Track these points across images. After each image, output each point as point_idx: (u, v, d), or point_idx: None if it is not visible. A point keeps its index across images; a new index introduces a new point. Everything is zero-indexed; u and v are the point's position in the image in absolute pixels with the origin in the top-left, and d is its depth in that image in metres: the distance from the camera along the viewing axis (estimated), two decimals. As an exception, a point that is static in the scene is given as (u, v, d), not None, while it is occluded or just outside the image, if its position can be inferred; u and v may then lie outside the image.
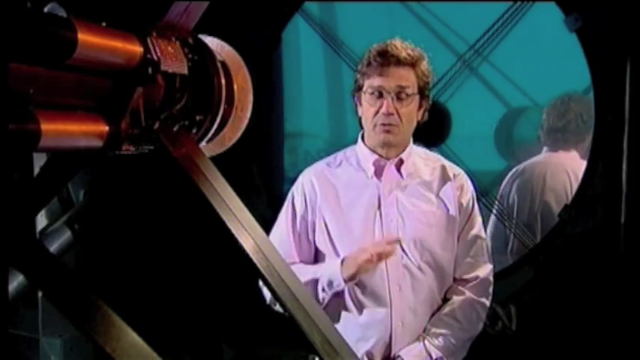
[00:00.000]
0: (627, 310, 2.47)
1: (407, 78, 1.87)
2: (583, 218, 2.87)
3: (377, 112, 1.87)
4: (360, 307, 1.92)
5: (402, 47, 1.87)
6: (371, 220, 1.92)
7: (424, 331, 1.92)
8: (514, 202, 3.20)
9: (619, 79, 2.57)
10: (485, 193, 3.21)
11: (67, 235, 2.31)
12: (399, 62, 1.85)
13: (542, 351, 2.78)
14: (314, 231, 1.98)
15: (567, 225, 2.91)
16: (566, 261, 2.89)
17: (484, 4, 3.48)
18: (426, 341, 1.90)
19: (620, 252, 2.56)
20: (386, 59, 1.86)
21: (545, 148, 3.22)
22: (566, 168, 3.09)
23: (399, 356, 1.89)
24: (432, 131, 3.14)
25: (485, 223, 3.20)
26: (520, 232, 3.12)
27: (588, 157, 2.92)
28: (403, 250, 1.90)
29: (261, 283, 1.88)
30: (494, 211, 3.20)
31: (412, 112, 1.90)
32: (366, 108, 1.90)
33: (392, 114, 1.86)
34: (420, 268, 1.91)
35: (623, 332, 2.46)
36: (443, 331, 1.90)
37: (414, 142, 2.02)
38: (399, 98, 1.86)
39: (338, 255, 1.94)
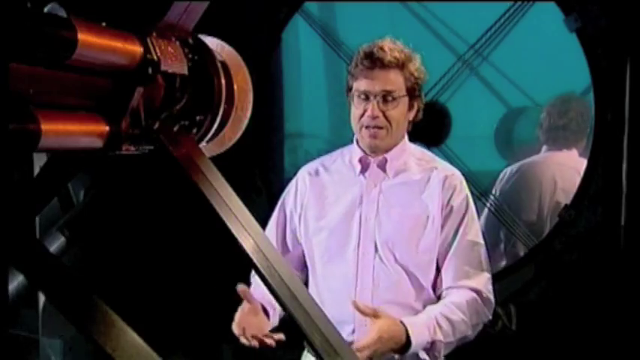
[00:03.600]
0: (627, 309, 2.47)
1: (393, 81, 1.85)
2: (583, 218, 2.87)
3: (363, 114, 1.87)
4: (328, 303, 1.88)
5: (389, 49, 1.85)
6: (350, 217, 1.91)
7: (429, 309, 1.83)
8: (518, 203, 3.19)
9: (619, 79, 2.57)
10: (485, 194, 3.21)
11: (59, 242, 2.30)
12: (384, 65, 1.84)
13: (543, 351, 2.78)
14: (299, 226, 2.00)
15: (567, 225, 2.91)
16: (566, 261, 2.89)
17: (484, 4, 3.48)
18: (432, 320, 1.80)
19: (620, 252, 2.56)
20: (372, 62, 1.84)
21: (544, 147, 3.21)
22: (577, 168, 3.06)
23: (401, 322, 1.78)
24: (432, 131, 3.15)
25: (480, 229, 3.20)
26: (521, 233, 3.12)
27: (588, 156, 2.92)
28: (377, 250, 1.88)
29: (253, 276, 1.90)
30: (491, 209, 3.19)
31: (400, 115, 1.88)
32: (354, 110, 1.90)
33: (377, 117, 1.85)
34: (392, 270, 1.87)
35: (623, 332, 2.46)
36: (452, 317, 1.81)
37: (414, 142, 2.01)
38: (385, 101, 1.84)
39: (312, 250, 1.95)
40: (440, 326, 1.80)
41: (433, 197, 1.90)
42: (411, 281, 1.89)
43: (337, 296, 1.90)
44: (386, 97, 1.84)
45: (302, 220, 1.99)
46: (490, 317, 1.92)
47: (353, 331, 1.89)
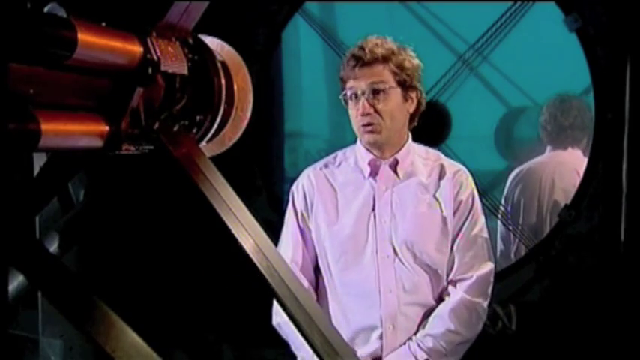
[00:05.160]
0: (627, 310, 2.47)
1: (378, 74, 1.85)
2: (583, 218, 2.87)
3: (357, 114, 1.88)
4: (351, 310, 1.91)
5: (370, 46, 1.86)
6: (364, 221, 1.90)
7: (416, 333, 1.89)
8: (520, 203, 3.19)
9: (619, 79, 2.57)
10: (485, 193, 3.21)
11: (56, 245, 2.29)
12: (365, 63, 1.85)
13: (542, 351, 2.78)
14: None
15: (567, 225, 2.91)
16: (566, 261, 2.89)
17: (484, 4, 3.48)
18: (412, 343, 1.87)
19: (620, 252, 2.55)
20: (355, 61, 1.87)
21: (548, 148, 3.21)
22: (575, 167, 3.07)
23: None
24: (432, 131, 3.15)
25: (485, 223, 3.21)
26: (523, 234, 3.12)
27: (588, 156, 2.92)
28: (395, 252, 1.88)
29: (275, 306, 1.87)
30: (499, 213, 3.20)
31: (394, 108, 1.87)
32: (350, 112, 1.92)
33: (369, 113, 1.85)
34: (412, 271, 1.88)
35: (623, 332, 2.46)
36: (432, 332, 1.86)
37: (415, 141, 2.01)
38: (374, 95, 1.85)
39: (326, 255, 1.93)
40: (420, 346, 1.85)
41: (444, 194, 1.92)
42: (431, 279, 1.91)
43: (361, 302, 1.90)
44: (374, 90, 1.85)
45: (313, 224, 1.97)
46: (486, 307, 1.94)
47: (380, 336, 1.89)
